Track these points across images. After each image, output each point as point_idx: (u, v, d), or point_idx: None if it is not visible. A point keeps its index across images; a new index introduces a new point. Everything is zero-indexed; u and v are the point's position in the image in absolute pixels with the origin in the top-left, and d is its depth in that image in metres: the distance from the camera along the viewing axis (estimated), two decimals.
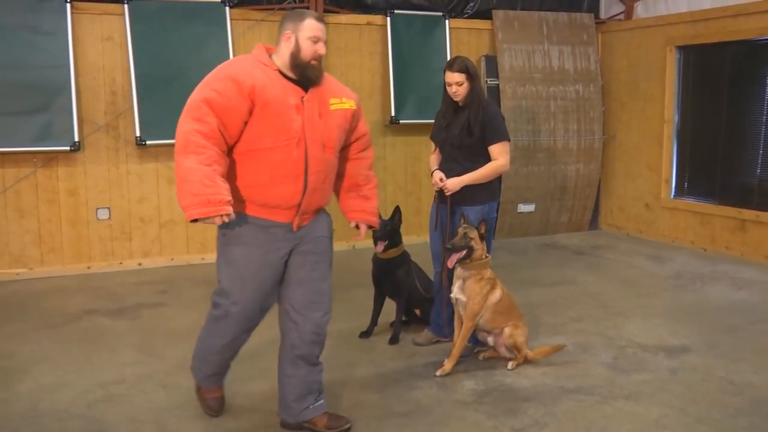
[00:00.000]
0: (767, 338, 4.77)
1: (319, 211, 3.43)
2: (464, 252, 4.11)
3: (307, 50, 3.13)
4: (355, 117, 3.46)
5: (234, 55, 6.79)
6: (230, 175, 3.14)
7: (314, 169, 3.19)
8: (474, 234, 4.13)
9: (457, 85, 4.30)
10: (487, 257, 4.21)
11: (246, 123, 3.09)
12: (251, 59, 3.19)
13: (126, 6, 6.41)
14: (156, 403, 3.85)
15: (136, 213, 6.80)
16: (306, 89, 3.18)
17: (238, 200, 3.15)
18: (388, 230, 4.67)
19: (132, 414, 3.72)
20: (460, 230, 4.14)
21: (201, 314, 5.34)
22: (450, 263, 4.14)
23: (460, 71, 4.29)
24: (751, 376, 4.13)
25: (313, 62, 3.16)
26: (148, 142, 6.52)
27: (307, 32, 3.13)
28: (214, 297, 3.42)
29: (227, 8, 6.76)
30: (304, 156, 3.15)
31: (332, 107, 3.28)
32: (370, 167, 3.71)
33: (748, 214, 6.86)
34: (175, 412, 3.74)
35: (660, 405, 3.77)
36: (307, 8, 7.04)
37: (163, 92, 6.52)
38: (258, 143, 3.11)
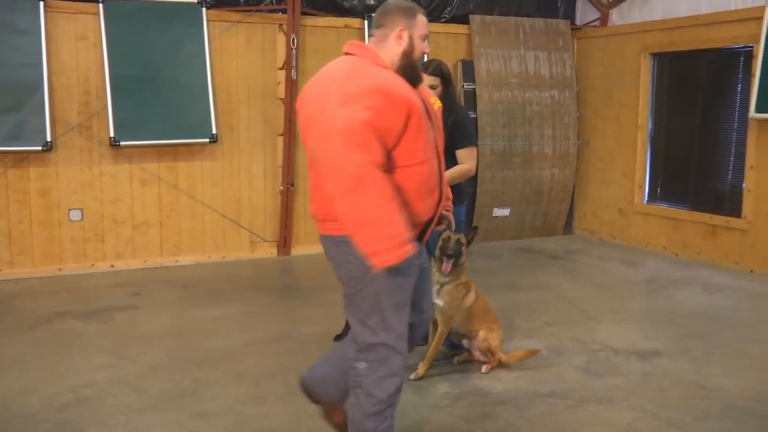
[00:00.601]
0: (737, 343, 4.83)
1: None
2: (453, 260, 4.12)
3: (419, 49, 2.87)
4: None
5: (210, 57, 6.76)
6: None
7: (443, 178, 2.96)
8: (464, 240, 4.14)
9: (431, 88, 4.30)
10: (465, 264, 4.21)
11: (399, 139, 2.69)
12: (368, 62, 2.79)
13: (101, 5, 6.34)
14: (127, 406, 3.80)
15: (109, 214, 6.72)
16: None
17: None
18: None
19: (103, 417, 3.68)
20: (453, 237, 4.12)
21: (173, 317, 5.34)
22: (446, 270, 4.10)
23: (434, 74, 4.31)
24: (722, 380, 4.18)
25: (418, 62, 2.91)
26: (122, 143, 6.45)
27: (421, 29, 2.87)
28: (370, 342, 2.84)
29: (204, 9, 6.73)
30: (437, 165, 2.89)
31: (435, 106, 3.08)
32: None
33: (719, 219, 6.95)
34: (147, 415, 3.70)
35: (632, 409, 3.80)
36: (285, 11, 7.03)
37: (138, 93, 6.47)
38: (410, 159, 2.72)
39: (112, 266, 6.77)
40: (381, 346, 2.81)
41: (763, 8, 6.38)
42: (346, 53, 2.88)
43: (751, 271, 6.67)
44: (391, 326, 2.80)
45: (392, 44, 2.85)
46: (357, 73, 2.71)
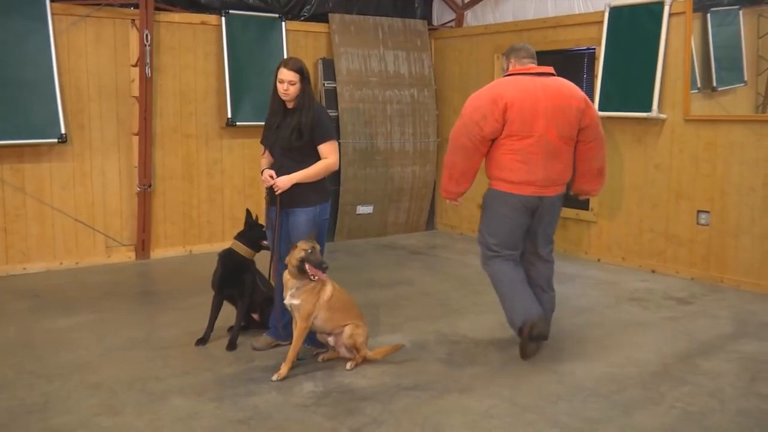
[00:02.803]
0: (585, 329, 5.12)
1: None
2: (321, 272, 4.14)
3: None
4: None
5: (57, 53, 6.43)
6: None
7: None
8: (308, 246, 4.15)
9: (289, 83, 4.30)
10: None
11: None
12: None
13: None
14: None
15: None
16: None
17: None
18: (249, 221, 4.81)
19: None
20: (316, 247, 4.13)
21: (22, 328, 5.02)
22: (323, 277, 4.16)
23: (294, 70, 4.30)
24: (571, 364, 4.41)
25: None
26: None
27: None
28: None
29: (48, 2, 6.35)
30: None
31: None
32: None
33: (570, 212, 7.32)
34: None
35: (490, 396, 3.94)
36: (137, 6, 6.78)
37: None
38: None
39: None
40: None
41: (602, 13, 6.79)
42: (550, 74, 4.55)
43: (599, 260, 7.10)
44: None
45: None
46: None
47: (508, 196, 4.48)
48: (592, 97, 7.00)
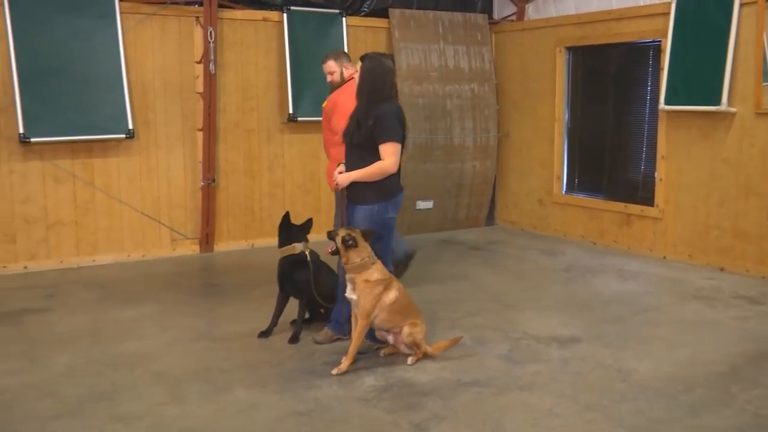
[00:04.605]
0: (650, 327, 5.01)
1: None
2: (334, 247, 4.25)
3: None
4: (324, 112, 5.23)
5: (125, 50, 6.58)
6: None
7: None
8: (343, 233, 4.18)
9: (356, 71, 4.52)
10: (362, 260, 4.20)
11: None
12: None
13: None
14: (40, 413, 3.67)
15: (20, 214, 6.46)
16: None
17: None
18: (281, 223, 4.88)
19: (15, 425, 3.54)
20: (353, 234, 4.19)
21: (90, 318, 5.17)
22: (325, 251, 4.42)
23: (360, 59, 4.47)
24: (636, 363, 4.32)
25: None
26: (32, 139, 6.20)
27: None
28: None
29: (116, 0, 6.52)
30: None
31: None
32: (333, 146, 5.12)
33: (634, 208, 7.19)
34: (63, 421, 3.58)
35: (553, 394, 3.89)
36: (201, 3, 6.90)
37: (48, 87, 6.24)
38: None
39: (25, 268, 6.51)
40: None
41: (669, 4, 6.61)
42: None
43: (664, 257, 6.93)
44: None
45: None
46: None
47: None
48: (657, 90, 6.84)
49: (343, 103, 5.08)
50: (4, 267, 6.43)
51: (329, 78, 5.56)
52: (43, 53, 6.22)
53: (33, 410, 3.70)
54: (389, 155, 4.31)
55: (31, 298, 5.70)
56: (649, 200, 7.09)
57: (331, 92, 5.51)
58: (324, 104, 5.46)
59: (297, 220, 4.90)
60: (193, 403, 3.80)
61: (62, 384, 4.02)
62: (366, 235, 4.23)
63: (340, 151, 4.72)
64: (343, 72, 5.48)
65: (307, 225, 4.87)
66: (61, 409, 3.72)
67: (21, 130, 6.16)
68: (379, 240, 4.37)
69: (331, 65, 5.54)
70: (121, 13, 6.56)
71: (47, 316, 5.27)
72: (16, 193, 6.42)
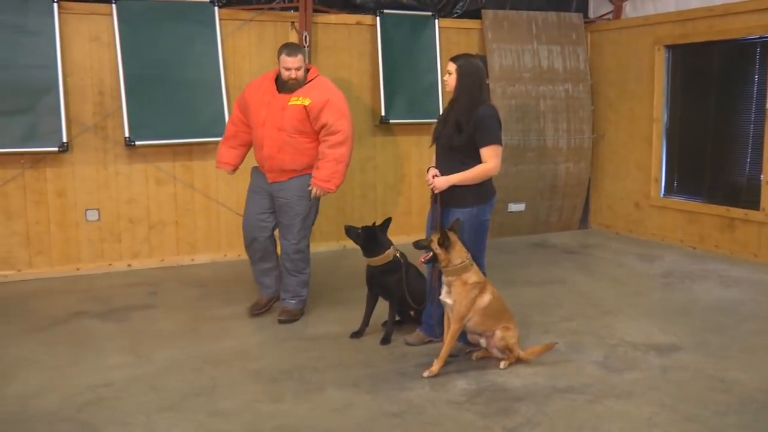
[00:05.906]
0: (755, 336, 4.79)
1: (289, 173, 5.05)
2: (430, 254, 4.20)
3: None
4: (310, 111, 4.90)
5: (223, 56, 6.79)
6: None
7: (268, 143, 4.97)
8: (436, 237, 4.15)
9: (447, 73, 4.44)
10: (462, 262, 4.18)
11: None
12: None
13: (114, 6, 6.36)
14: (146, 406, 3.82)
15: (125, 214, 6.76)
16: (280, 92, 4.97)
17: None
18: (360, 236, 4.79)
19: (122, 417, 3.70)
20: (450, 236, 4.16)
21: (190, 316, 5.36)
22: (419, 261, 4.33)
23: (452, 61, 4.42)
24: (740, 373, 4.15)
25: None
26: (137, 143, 6.48)
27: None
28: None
29: (216, 8, 6.74)
30: (262, 134, 5.01)
31: (290, 103, 4.94)
32: (330, 146, 4.95)
33: (737, 212, 6.90)
34: (166, 414, 3.72)
35: (651, 403, 3.78)
36: (296, 9, 7.04)
37: (152, 93, 6.49)
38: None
39: (129, 266, 6.80)
40: None
41: None
42: None
43: None
44: None
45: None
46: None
47: None
48: (764, 89, 6.54)
49: (337, 102, 5.00)
50: (110, 265, 6.73)
51: (294, 74, 4.97)
52: (147, 60, 6.49)
53: (139, 403, 3.86)
54: (492, 158, 4.30)
55: (135, 295, 5.95)
56: (753, 204, 6.79)
57: (289, 89, 5.01)
58: (297, 101, 4.95)
59: (367, 222, 4.96)
60: (288, 401, 3.88)
61: (165, 378, 4.18)
62: (455, 230, 4.23)
63: (313, 156, 4.99)
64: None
65: (387, 225, 4.87)
66: (164, 402, 3.87)
67: (126, 134, 6.45)
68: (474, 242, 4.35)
69: (300, 59, 5.00)
70: (220, 19, 6.78)
71: (150, 312, 5.49)
72: (122, 194, 6.72)
